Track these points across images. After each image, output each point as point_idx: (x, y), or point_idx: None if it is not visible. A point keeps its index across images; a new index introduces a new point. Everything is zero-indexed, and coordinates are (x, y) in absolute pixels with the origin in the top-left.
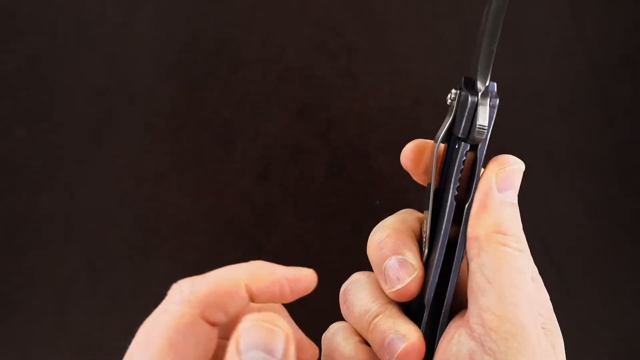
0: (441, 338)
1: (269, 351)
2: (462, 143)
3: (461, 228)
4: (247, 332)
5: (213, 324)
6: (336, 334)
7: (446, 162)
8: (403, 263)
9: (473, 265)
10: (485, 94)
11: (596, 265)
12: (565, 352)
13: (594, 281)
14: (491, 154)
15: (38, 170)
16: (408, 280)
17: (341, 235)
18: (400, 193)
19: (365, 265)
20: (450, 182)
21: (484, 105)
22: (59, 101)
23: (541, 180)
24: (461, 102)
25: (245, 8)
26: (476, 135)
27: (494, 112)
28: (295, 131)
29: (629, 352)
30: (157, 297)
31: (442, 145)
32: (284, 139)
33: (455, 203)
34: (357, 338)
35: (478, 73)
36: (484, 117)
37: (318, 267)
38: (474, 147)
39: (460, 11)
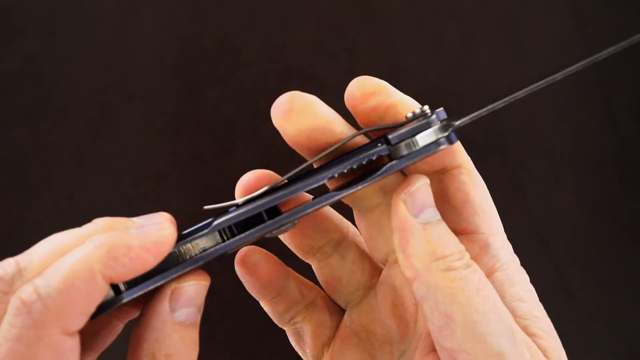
0: None
1: None
2: (385, 146)
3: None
4: None
5: (72, 334)
6: None
7: (356, 150)
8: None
9: (426, 308)
10: (444, 128)
11: (596, 265)
12: (565, 352)
13: (594, 281)
14: (492, 153)
15: (37, 170)
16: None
17: None
18: None
19: None
20: (340, 165)
21: (435, 133)
22: (58, 101)
23: (541, 180)
24: (417, 118)
25: (245, 8)
26: (399, 148)
27: (435, 148)
28: None
29: (629, 352)
30: None
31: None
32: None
33: (326, 184)
34: None
35: (456, 121)
36: (424, 139)
37: None
38: (390, 158)
39: (460, 11)
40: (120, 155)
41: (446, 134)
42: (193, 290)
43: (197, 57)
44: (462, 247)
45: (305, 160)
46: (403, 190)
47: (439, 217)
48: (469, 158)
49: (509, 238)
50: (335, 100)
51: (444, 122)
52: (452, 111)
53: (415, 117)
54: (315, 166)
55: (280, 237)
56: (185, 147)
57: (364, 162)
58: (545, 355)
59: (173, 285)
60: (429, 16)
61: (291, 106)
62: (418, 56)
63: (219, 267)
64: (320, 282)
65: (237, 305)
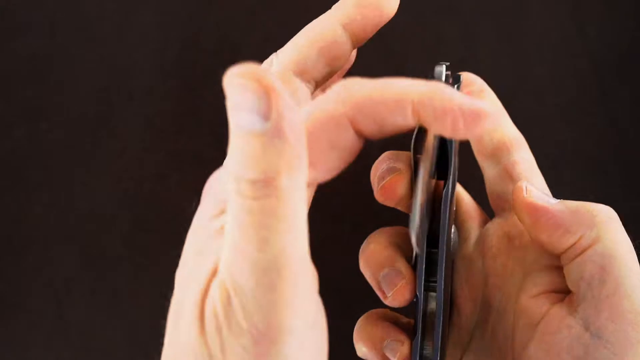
0: (544, 324)
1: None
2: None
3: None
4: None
5: (360, 134)
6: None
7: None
8: (397, 273)
9: (589, 254)
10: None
11: None
12: None
13: None
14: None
15: (37, 170)
16: (400, 283)
17: (341, 235)
18: None
19: None
20: (430, 167)
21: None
22: (58, 101)
23: None
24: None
25: (245, 8)
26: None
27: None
28: None
29: None
30: (157, 297)
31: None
32: None
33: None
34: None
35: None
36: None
37: (317, 267)
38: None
39: (460, 11)
40: (120, 155)
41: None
42: None
43: (197, 57)
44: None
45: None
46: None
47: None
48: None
49: None
50: None
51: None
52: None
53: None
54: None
55: None
56: (185, 147)
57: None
58: None
59: None
60: (429, 16)
61: None
62: (418, 56)
63: None
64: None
65: None
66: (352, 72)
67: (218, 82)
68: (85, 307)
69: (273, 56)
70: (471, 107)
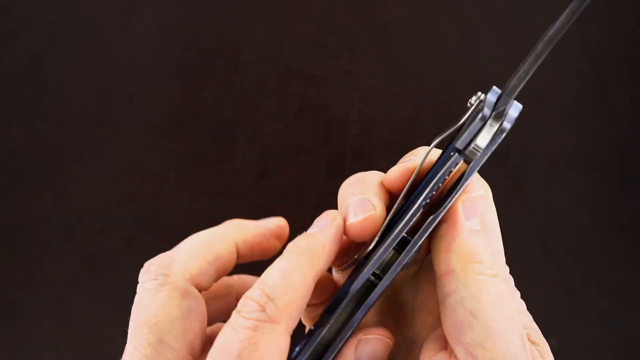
0: None
1: None
2: (457, 154)
3: (416, 236)
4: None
5: (202, 290)
6: None
7: (433, 167)
8: (365, 201)
9: (452, 301)
10: (498, 116)
11: (596, 265)
12: (565, 352)
13: (594, 281)
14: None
15: (37, 170)
16: (364, 215)
17: None
18: None
19: None
20: (427, 189)
21: (492, 126)
22: (58, 101)
23: (541, 180)
24: (474, 113)
25: (245, 8)
26: (468, 153)
27: (499, 138)
28: (295, 131)
29: (629, 352)
30: None
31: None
32: (284, 139)
33: (422, 209)
34: None
35: (505, 91)
36: (484, 139)
37: None
38: (467, 162)
39: (460, 11)
40: (120, 155)
41: (502, 121)
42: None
43: (197, 58)
44: (492, 260)
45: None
46: (465, 193)
47: (480, 227)
48: (485, 182)
49: (510, 238)
50: (335, 100)
51: (496, 111)
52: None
53: (473, 108)
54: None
55: None
56: (185, 147)
57: (447, 177)
58: None
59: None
60: (429, 16)
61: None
62: (418, 56)
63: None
64: None
65: None
66: (354, 71)
67: (218, 82)
68: (85, 307)
69: (170, 253)
70: (273, 227)
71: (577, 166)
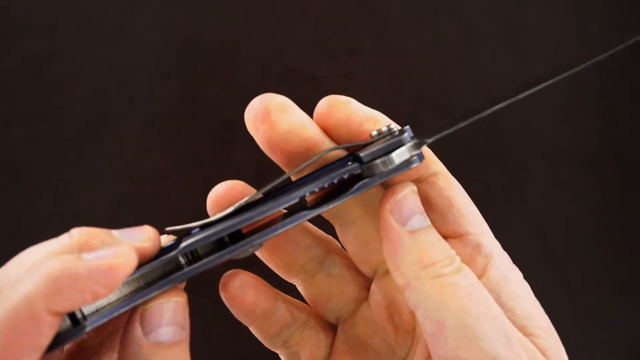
0: None
1: None
2: (357, 164)
3: (275, 225)
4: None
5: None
6: None
7: (327, 166)
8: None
9: (419, 315)
10: (417, 146)
11: (596, 265)
12: (565, 351)
13: (594, 281)
14: (492, 153)
15: (37, 170)
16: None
17: None
18: None
19: None
20: (312, 183)
21: (407, 151)
22: (58, 101)
23: (541, 180)
24: (389, 134)
25: (245, 8)
26: (373, 165)
27: (407, 165)
28: None
29: (629, 351)
30: None
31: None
32: None
33: (298, 201)
34: None
35: (430, 133)
36: (400, 156)
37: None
38: (360, 175)
39: (460, 11)
40: (120, 155)
41: (418, 151)
42: (166, 308)
43: (197, 57)
44: (453, 252)
45: (280, 175)
46: (389, 200)
47: (429, 222)
48: (442, 164)
49: (509, 238)
50: None
51: (414, 141)
52: (421, 126)
53: (382, 135)
54: (293, 178)
55: (260, 257)
56: (185, 147)
57: (335, 181)
58: (544, 355)
59: (140, 308)
60: (429, 16)
61: (268, 107)
62: (418, 56)
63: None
64: (308, 301)
65: None
66: (354, 71)
67: (218, 82)
68: None
69: None
70: (99, 270)
71: (576, 166)
